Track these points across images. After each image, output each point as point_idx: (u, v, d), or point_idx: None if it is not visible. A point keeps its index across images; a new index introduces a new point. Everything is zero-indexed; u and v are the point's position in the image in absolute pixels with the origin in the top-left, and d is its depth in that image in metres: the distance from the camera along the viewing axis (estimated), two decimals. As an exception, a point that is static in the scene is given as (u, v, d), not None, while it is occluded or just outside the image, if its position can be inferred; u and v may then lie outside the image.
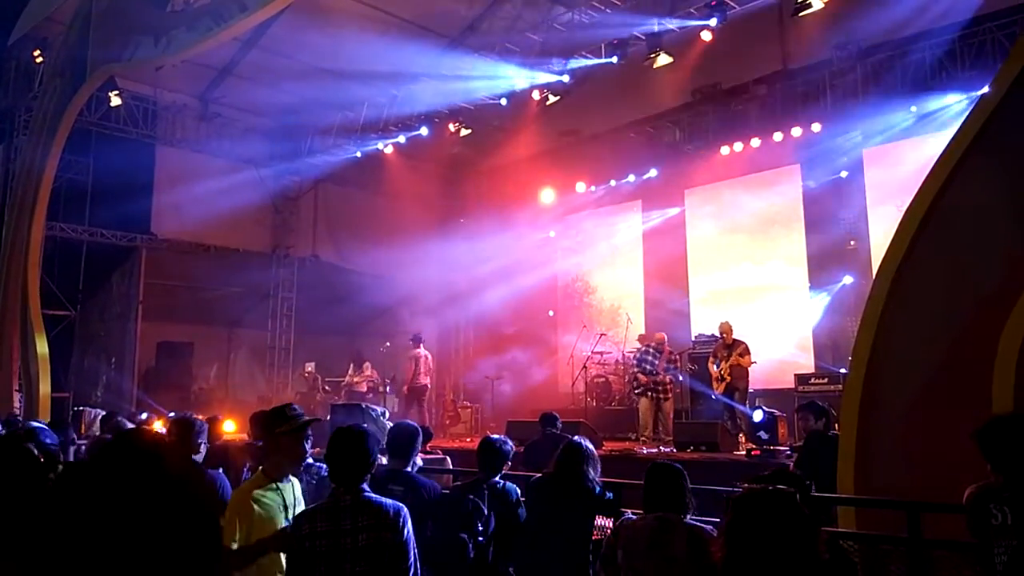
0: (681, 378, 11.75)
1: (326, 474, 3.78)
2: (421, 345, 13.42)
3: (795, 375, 11.42)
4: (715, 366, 10.92)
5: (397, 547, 3.01)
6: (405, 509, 3.11)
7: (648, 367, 11.23)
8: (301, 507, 3.48)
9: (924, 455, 4.70)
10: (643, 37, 12.01)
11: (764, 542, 2.19)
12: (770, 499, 2.28)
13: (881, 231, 11.42)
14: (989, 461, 3.17)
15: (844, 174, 12.60)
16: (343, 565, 2.93)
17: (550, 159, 16.58)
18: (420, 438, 4.78)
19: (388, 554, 2.99)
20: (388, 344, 14.44)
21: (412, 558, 3.06)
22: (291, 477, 3.59)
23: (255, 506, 3.32)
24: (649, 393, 11.20)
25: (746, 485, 2.41)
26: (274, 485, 3.44)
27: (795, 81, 13.06)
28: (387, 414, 9.49)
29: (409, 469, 4.62)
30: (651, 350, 11.43)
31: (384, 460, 5.32)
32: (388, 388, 14.20)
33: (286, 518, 3.39)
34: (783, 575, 2.16)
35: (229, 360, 16.57)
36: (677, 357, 11.52)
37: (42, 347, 12.03)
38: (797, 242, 13.48)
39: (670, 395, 11.32)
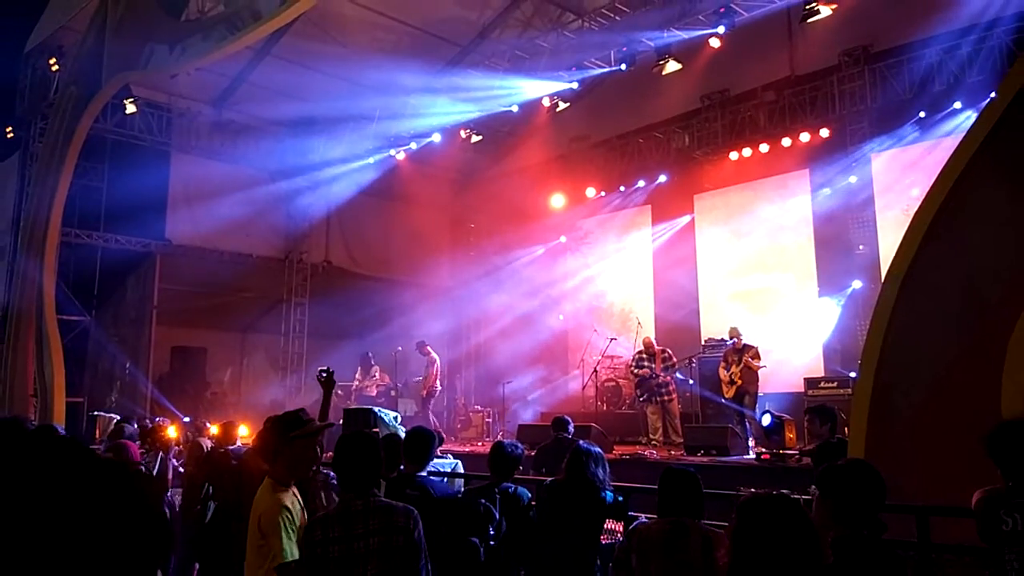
0: (684, 377, 11.79)
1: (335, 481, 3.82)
2: (431, 349, 13.59)
3: (804, 379, 11.43)
4: (725, 370, 10.96)
5: (409, 549, 3.05)
6: (415, 511, 3.15)
7: (648, 373, 11.31)
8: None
9: (933, 459, 4.72)
10: (652, 44, 12.08)
11: (770, 547, 2.22)
12: (775, 504, 2.32)
13: (889, 236, 11.41)
14: (999, 467, 3.14)
15: (853, 179, 12.61)
16: (356, 569, 2.97)
17: (560, 165, 16.66)
18: (436, 442, 4.83)
19: (400, 556, 3.02)
20: (400, 348, 14.50)
21: (423, 560, 3.10)
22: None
23: (287, 513, 3.32)
24: (654, 398, 11.27)
25: (752, 490, 2.45)
26: (291, 491, 3.47)
27: (803, 87, 13.10)
28: (399, 418, 9.56)
29: (424, 473, 4.68)
30: (643, 356, 11.52)
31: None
32: (400, 392, 14.26)
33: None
34: None
35: (243, 365, 16.68)
36: (670, 355, 11.55)
37: (57, 352, 12.12)
38: (806, 247, 13.49)
39: (673, 395, 11.38)
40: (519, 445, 5.01)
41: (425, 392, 13.35)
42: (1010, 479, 3.11)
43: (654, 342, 11.82)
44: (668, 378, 11.32)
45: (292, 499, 3.43)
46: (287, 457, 3.50)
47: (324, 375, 4.81)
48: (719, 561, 3.24)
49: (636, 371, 11.62)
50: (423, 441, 4.70)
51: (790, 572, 2.21)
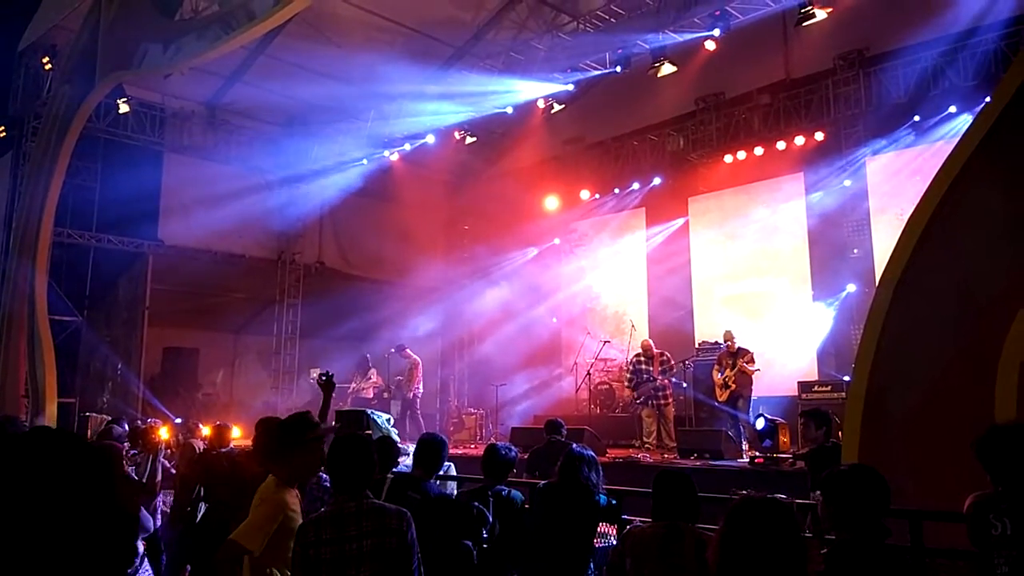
0: (677, 381, 11.77)
1: (328, 484, 3.79)
2: (411, 352, 13.60)
3: (798, 383, 11.44)
4: (719, 374, 10.95)
5: (401, 551, 3.04)
6: (408, 514, 3.14)
7: (645, 376, 11.26)
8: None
9: (927, 462, 4.72)
10: (647, 46, 12.08)
11: (753, 550, 2.20)
12: (762, 508, 2.29)
13: (884, 240, 11.44)
14: (988, 471, 3.15)
15: (847, 183, 12.63)
16: (348, 571, 2.96)
17: (555, 167, 16.66)
18: (447, 449, 4.83)
19: (392, 559, 3.02)
20: (393, 350, 14.49)
21: (416, 562, 3.09)
22: None
23: (290, 515, 3.33)
24: (650, 402, 11.22)
25: (743, 492, 2.43)
26: (295, 492, 3.46)
27: (798, 90, 13.12)
28: (392, 420, 9.53)
29: (432, 480, 4.66)
30: (641, 359, 11.47)
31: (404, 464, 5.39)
32: (394, 394, 14.22)
33: None
34: None
35: (235, 366, 16.63)
36: (669, 358, 11.52)
37: (49, 353, 12.05)
38: (800, 250, 13.51)
39: (670, 400, 11.35)
40: (512, 448, 5.00)
41: (411, 395, 13.34)
42: (999, 484, 3.11)
43: (652, 344, 11.75)
44: (666, 382, 11.29)
45: (295, 501, 3.43)
46: (293, 460, 3.47)
47: (324, 378, 4.81)
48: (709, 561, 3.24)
49: (630, 386, 11.53)
50: (435, 449, 4.70)
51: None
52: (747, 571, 2.20)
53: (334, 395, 14.86)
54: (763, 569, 2.18)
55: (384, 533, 3.02)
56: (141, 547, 4.76)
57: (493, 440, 11.31)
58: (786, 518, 2.25)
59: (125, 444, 7.43)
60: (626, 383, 11.55)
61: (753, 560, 2.19)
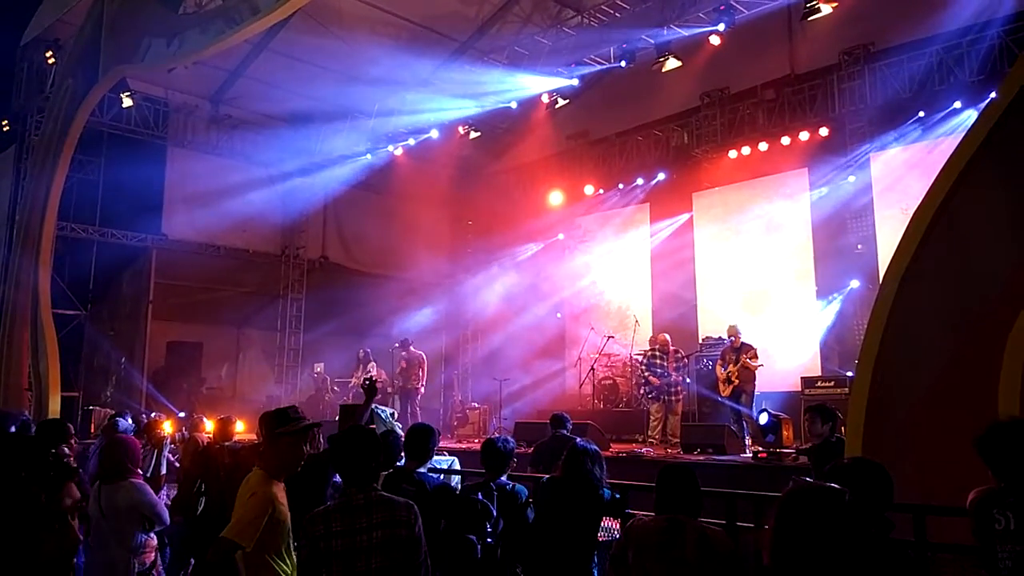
0: (687, 380, 11.74)
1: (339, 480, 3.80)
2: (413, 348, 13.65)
3: (801, 378, 11.41)
4: (723, 369, 10.93)
5: (410, 543, 3.08)
6: (415, 506, 3.18)
7: (659, 371, 11.22)
8: None
9: (930, 458, 4.72)
10: (652, 41, 12.06)
11: (812, 541, 2.10)
12: (819, 496, 2.20)
13: (888, 236, 11.40)
14: (990, 467, 3.16)
15: (852, 179, 12.59)
16: (358, 562, 2.99)
17: (559, 162, 16.64)
18: (436, 438, 4.86)
19: (402, 550, 3.05)
20: (397, 345, 14.51)
21: (423, 554, 3.14)
22: None
23: (278, 506, 3.35)
24: (662, 397, 11.17)
25: (805, 478, 2.34)
26: (281, 486, 3.46)
27: (803, 85, 13.07)
28: (395, 415, 9.54)
29: (423, 469, 4.68)
30: (657, 353, 11.42)
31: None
32: (397, 389, 14.24)
33: None
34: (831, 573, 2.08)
35: (238, 360, 16.64)
36: (683, 355, 11.49)
37: (52, 346, 12.09)
38: (804, 246, 13.47)
39: (680, 396, 11.31)
40: (510, 439, 5.03)
41: (418, 390, 13.34)
42: (1002, 479, 3.11)
43: (669, 340, 11.58)
44: (679, 377, 11.26)
45: (282, 493, 3.44)
46: (274, 453, 3.49)
47: (367, 383, 5.06)
48: (721, 559, 3.22)
49: (647, 373, 11.45)
50: (424, 437, 4.73)
51: (833, 568, 2.08)
52: (803, 563, 2.09)
53: (338, 390, 14.82)
54: (820, 561, 2.07)
55: (394, 525, 3.06)
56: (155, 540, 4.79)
57: (494, 434, 11.32)
58: (841, 506, 2.14)
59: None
60: (649, 375, 11.43)
61: (808, 551, 2.09)
